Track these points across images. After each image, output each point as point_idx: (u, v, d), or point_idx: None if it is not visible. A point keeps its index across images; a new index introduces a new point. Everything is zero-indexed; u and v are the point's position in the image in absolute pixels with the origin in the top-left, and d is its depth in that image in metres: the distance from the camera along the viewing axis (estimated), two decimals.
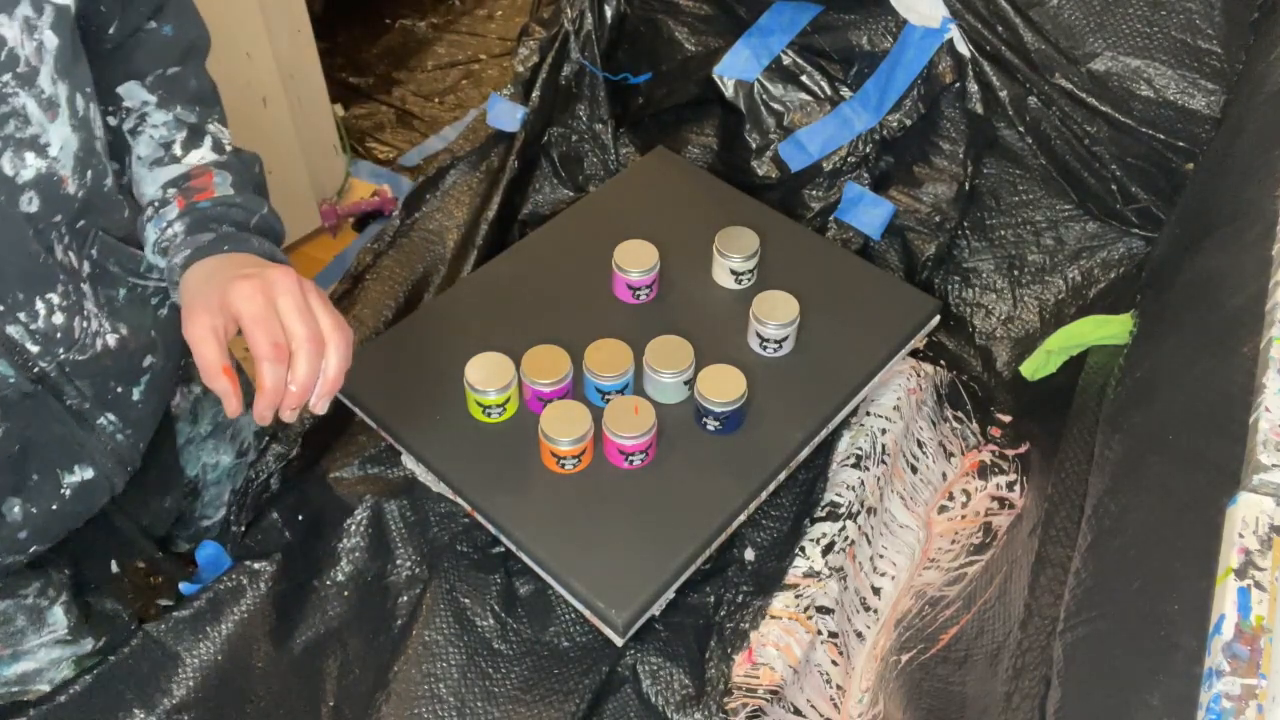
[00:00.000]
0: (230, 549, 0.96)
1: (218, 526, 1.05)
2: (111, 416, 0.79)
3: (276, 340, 0.65)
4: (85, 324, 0.74)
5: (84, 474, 0.79)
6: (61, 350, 0.72)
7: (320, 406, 0.68)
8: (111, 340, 0.77)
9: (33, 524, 0.77)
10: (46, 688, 0.88)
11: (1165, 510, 0.69)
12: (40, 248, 0.68)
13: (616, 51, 1.36)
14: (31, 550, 0.79)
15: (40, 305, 0.69)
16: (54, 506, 0.78)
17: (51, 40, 0.64)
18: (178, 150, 0.78)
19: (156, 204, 0.76)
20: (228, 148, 0.80)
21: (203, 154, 0.78)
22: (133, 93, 0.78)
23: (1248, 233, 0.82)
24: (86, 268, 0.74)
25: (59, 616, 0.87)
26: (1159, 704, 0.57)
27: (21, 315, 0.69)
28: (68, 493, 0.78)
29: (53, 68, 0.64)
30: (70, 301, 0.72)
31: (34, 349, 0.70)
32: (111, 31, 0.75)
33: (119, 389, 0.80)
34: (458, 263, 1.21)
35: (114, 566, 0.96)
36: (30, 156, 0.65)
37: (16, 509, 0.75)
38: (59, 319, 0.71)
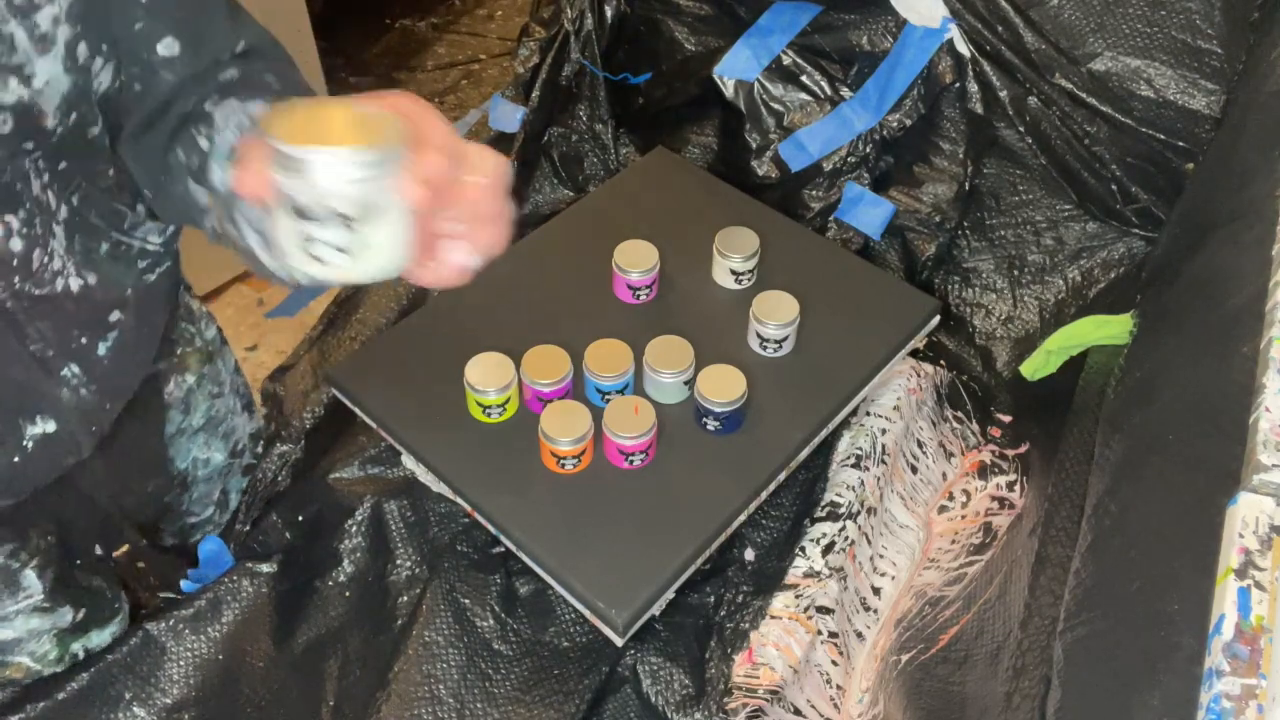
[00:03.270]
0: (234, 548, 0.96)
1: (204, 526, 1.05)
2: (75, 368, 0.79)
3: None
4: (47, 260, 0.74)
5: (46, 426, 0.78)
6: (17, 279, 0.72)
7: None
8: (74, 284, 0.76)
9: None
10: (27, 660, 0.87)
11: (1165, 510, 0.69)
12: (8, 169, 0.68)
13: (616, 51, 1.36)
14: None
15: None
16: (15, 459, 0.77)
17: None
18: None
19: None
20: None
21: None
22: (229, 107, 0.74)
23: (1248, 233, 0.82)
24: (64, 211, 0.74)
25: (33, 580, 0.86)
26: (1159, 704, 0.57)
27: None
28: (29, 445, 0.78)
29: (63, 10, 0.65)
30: (32, 231, 0.72)
31: None
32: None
33: (83, 339, 0.79)
34: None
35: (98, 549, 0.95)
36: (13, 82, 0.65)
37: None
38: (16, 244, 0.71)
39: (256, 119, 0.67)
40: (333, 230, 0.55)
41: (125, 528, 0.96)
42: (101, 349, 0.81)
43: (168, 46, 0.72)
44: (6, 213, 0.69)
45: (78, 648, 0.90)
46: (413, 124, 0.57)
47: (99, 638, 0.91)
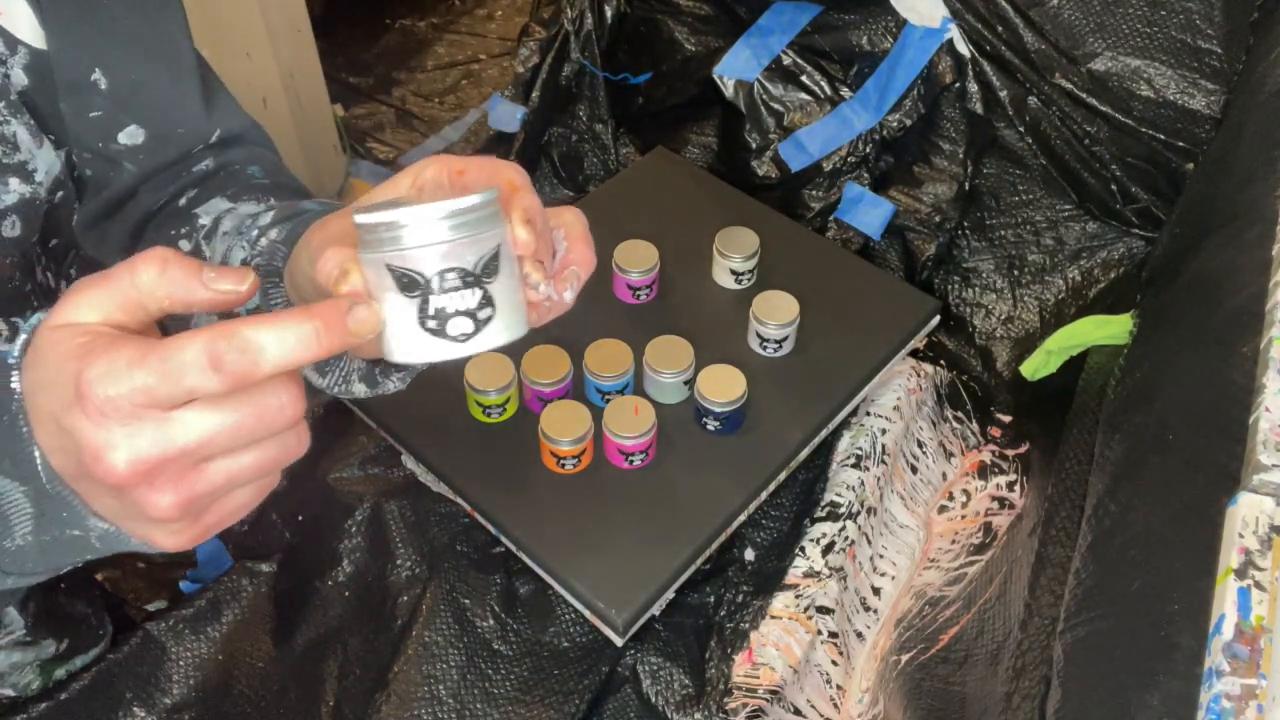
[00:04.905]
0: (231, 548, 0.96)
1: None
2: None
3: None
4: None
5: None
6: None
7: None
8: None
9: None
10: (9, 692, 0.86)
11: (1165, 510, 0.69)
12: (18, 272, 0.64)
13: (616, 51, 1.36)
14: None
15: (4, 327, 0.65)
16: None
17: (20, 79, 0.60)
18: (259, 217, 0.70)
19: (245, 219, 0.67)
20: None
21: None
22: (215, 207, 0.69)
23: (1248, 233, 0.82)
24: (63, 286, 0.71)
25: (14, 617, 0.83)
26: (1159, 704, 0.57)
27: None
28: None
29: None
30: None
31: None
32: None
33: None
34: None
35: (81, 575, 0.93)
36: (15, 182, 0.61)
37: None
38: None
39: (264, 229, 0.60)
40: (458, 294, 0.47)
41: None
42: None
43: (131, 135, 0.66)
44: (14, 314, 0.65)
45: (61, 673, 0.88)
46: (495, 174, 0.51)
47: (83, 661, 0.89)
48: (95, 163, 0.67)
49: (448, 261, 0.46)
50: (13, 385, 0.41)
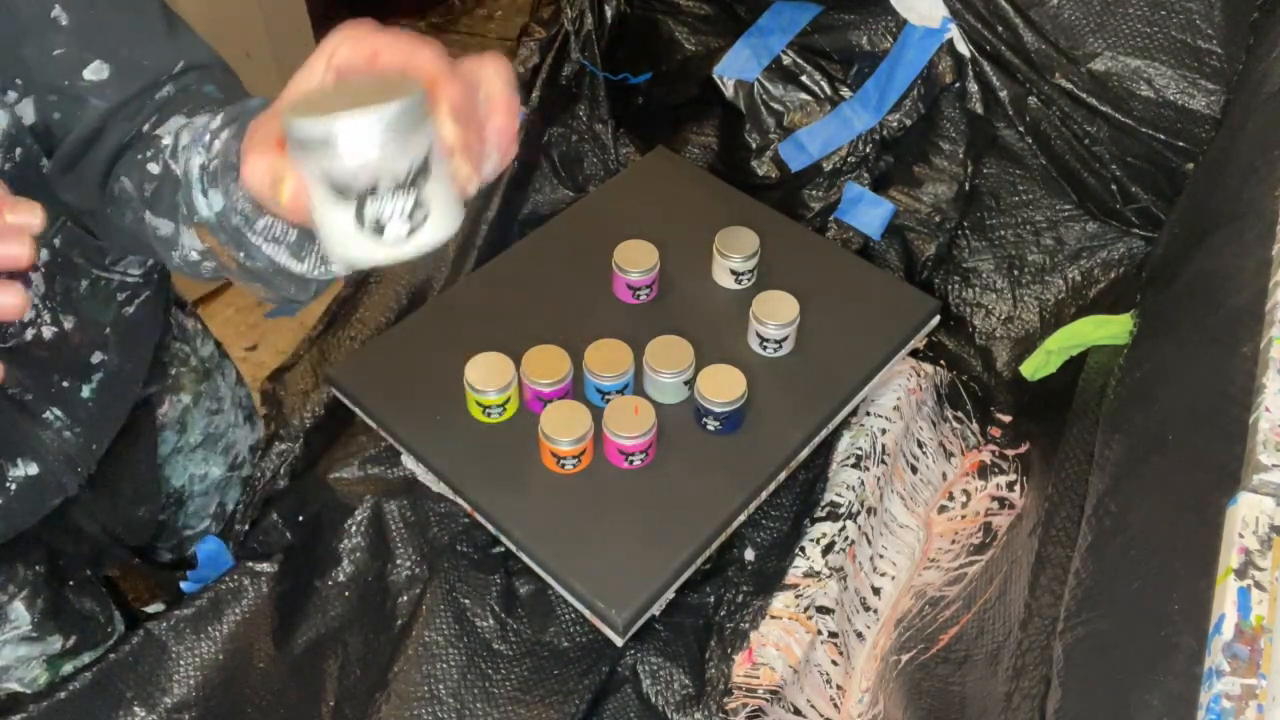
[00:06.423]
0: (233, 548, 0.96)
1: (200, 538, 1.04)
2: (58, 411, 0.77)
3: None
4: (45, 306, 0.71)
5: (28, 469, 0.76)
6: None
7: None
8: (47, 332, 0.73)
9: None
10: (15, 686, 0.87)
11: (1165, 510, 0.69)
12: None
13: (616, 51, 1.36)
14: None
15: None
16: None
17: None
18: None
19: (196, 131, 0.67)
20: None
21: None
22: (174, 124, 0.71)
23: (1248, 233, 0.82)
24: (45, 255, 0.70)
25: (20, 613, 0.84)
26: (1159, 704, 0.57)
27: None
28: (13, 487, 0.76)
29: None
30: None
31: None
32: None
33: (64, 383, 0.76)
34: (459, 264, 1.21)
35: (89, 572, 0.94)
36: None
37: None
38: None
39: (215, 131, 0.61)
40: (392, 199, 0.49)
41: (115, 551, 0.95)
42: (85, 391, 0.78)
43: (95, 71, 0.66)
44: None
45: (69, 668, 0.89)
46: (411, 61, 0.51)
47: (91, 656, 0.90)
48: (62, 104, 0.67)
49: (381, 169, 0.47)
50: None
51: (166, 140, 0.65)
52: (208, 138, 0.61)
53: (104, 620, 0.93)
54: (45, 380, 0.75)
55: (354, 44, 0.52)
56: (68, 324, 0.75)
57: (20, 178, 0.66)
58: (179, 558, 1.04)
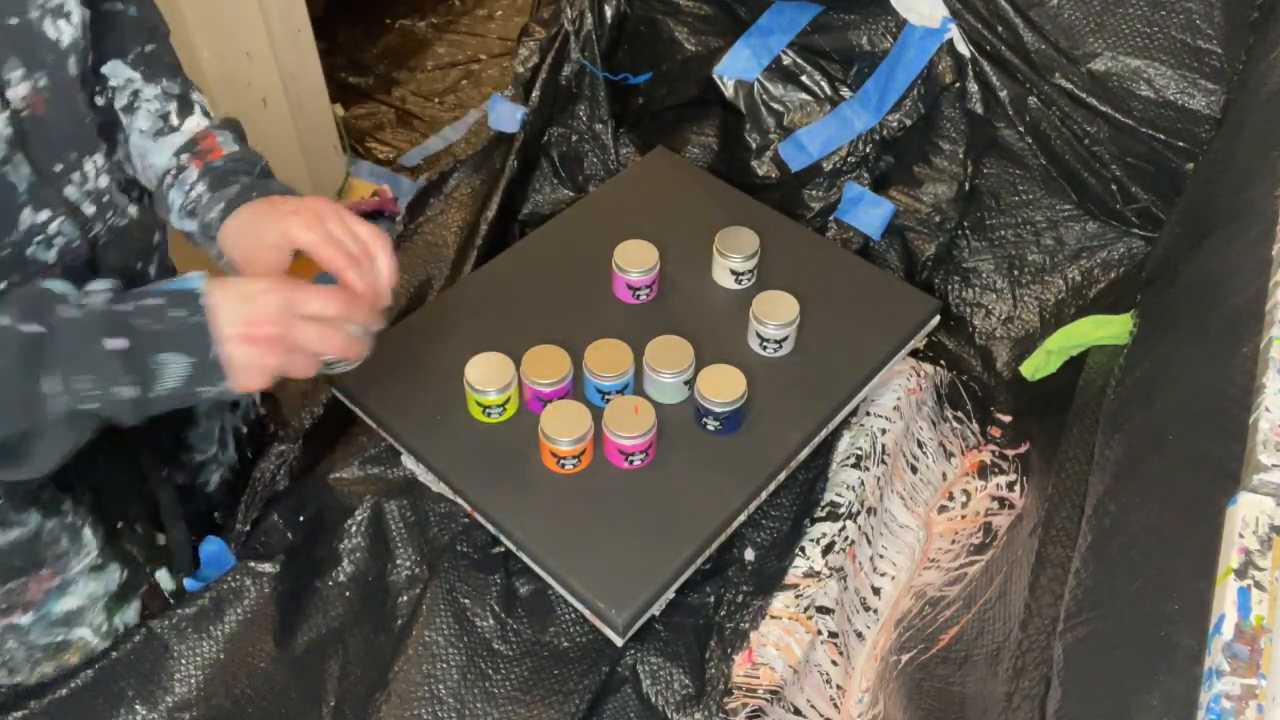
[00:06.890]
0: (234, 549, 0.96)
1: (210, 465, 1.05)
2: None
3: (349, 252, 0.75)
4: (119, 190, 0.80)
5: None
6: (110, 214, 0.78)
7: (388, 299, 0.78)
8: (133, 210, 0.82)
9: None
10: (87, 632, 0.89)
11: (1165, 510, 0.69)
12: (87, 109, 0.75)
13: (616, 51, 1.36)
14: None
15: (89, 166, 0.76)
16: None
17: None
18: (174, 120, 0.84)
19: (174, 171, 0.82)
20: (211, 112, 0.87)
21: (198, 120, 0.85)
22: (118, 70, 0.83)
23: (1248, 233, 0.82)
24: (112, 114, 0.82)
25: (89, 537, 0.88)
26: (1159, 704, 0.57)
27: (74, 176, 0.75)
28: None
29: None
30: (109, 164, 0.78)
31: (90, 210, 0.76)
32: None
33: (139, 265, 0.84)
34: (459, 264, 1.21)
35: (131, 512, 0.96)
36: (63, 24, 0.71)
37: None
38: (103, 181, 0.77)
39: (199, 196, 0.81)
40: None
41: (148, 461, 0.96)
42: (152, 271, 0.87)
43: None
44: (93, 153, 0.77)
45: (119, 621, 0.92)
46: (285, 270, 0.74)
47: (132, 611, 0.94)
48: (104, 91, 0.82)
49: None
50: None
51: (114, 83, 0.80)
52: (187, 188, 0.80)
53: (142, 561, 0.95)
54: (130, 265, 0.84)
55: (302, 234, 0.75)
56: (132, 209, 0.83)
57: (88, 79, 0.77)
58: (191, 483, 1.04)
